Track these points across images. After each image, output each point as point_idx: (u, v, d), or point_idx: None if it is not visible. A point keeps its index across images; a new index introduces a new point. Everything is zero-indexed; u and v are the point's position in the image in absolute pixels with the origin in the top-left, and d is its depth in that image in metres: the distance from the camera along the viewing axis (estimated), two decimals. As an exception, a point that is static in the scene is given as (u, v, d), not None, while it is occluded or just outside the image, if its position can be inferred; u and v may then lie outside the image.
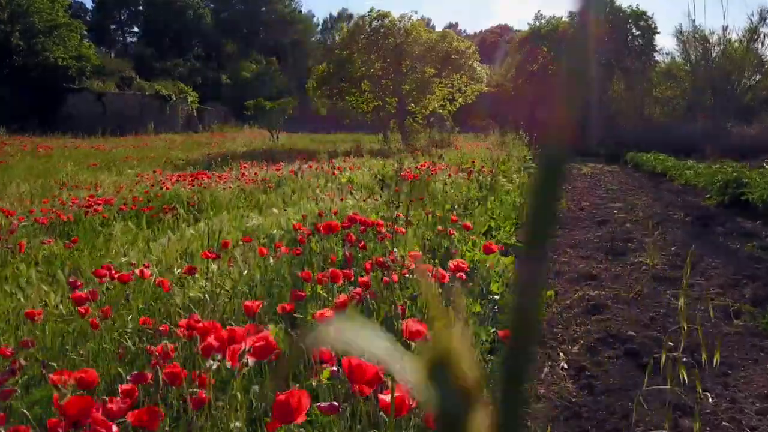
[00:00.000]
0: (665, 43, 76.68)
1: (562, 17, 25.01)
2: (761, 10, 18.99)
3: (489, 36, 46.97)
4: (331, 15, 53.51)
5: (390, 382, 1.01)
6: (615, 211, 6.36)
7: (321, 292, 1.79)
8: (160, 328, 1.53)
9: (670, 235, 5.06)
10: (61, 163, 9.78)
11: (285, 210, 4.34)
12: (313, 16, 58.25)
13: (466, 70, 20.05)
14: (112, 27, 41.51)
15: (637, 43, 23.86)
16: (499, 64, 29.98)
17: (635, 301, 3.26)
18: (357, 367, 1.03)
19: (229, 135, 24.16)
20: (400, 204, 4.53)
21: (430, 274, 1.86)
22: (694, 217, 5.88)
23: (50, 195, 6.16)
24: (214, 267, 2.37)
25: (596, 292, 3.37)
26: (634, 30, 23.87)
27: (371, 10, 19.64)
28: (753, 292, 3.30)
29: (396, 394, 0.98)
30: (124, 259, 2.73)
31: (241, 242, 2.94)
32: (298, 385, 1.42)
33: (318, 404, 1.15)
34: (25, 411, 1.18)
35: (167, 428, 1.29)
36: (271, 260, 2.41)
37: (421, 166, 7.56)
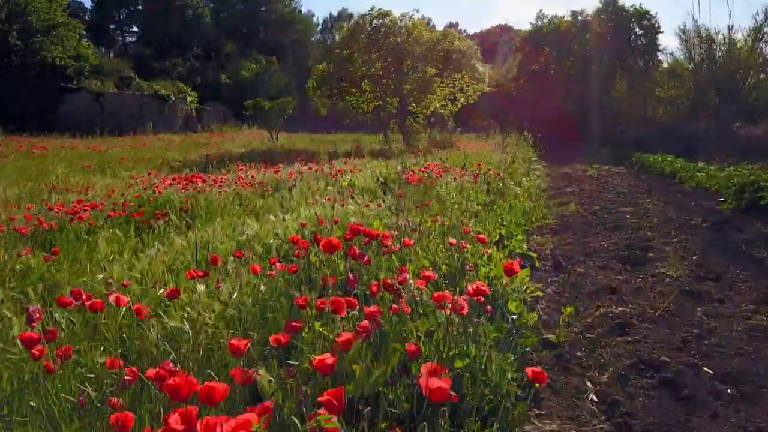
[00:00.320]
0: (668, 42, 76.14)
1: (564, 16, 24.75)
2: (766, 10, 18.72)
3: (489, 36, 46.69)
4: (331, 15, 53.29)
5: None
6: (627, 216, 6.10)
7: (321, 329, 1.52)
8: (126, 376, 1.27)
9: (689, 243, 4.79)
10: (54, 165, 9.51)
11: (284, 219, 4.07)
12: (313, 15, 57.89)
13: (468, 69, 19.77)
14: (111, 27, 41.23)
15: (640, 43, 23.59)
16: (500, 63, 29.72)
17: (663, 319, 2.99)
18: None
19: (228, 135, 23.90)
20: (405, 211, 4.27)
21: (448, 305, 1.60)
22: (711, 223, 5.61)
23: (38, 199, 5.89)
24: (201, 288, 2.11)
25: (620, 308, 3.11)
26: (637, 29, 23.59)
27: (372, 9, 19.38)
28: (791, 309, 3.04)
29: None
30: (101, 276, 2.46)
31: (233, 257, 2.67)
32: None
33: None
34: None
35: None
36: (263, 287, 2.14)
37: (424, 168, 7.30)
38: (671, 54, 23.48)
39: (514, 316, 2.65)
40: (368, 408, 1.26)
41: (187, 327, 1.66)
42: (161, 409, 1.27)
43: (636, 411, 2.06)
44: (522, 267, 3.27)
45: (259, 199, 5.99)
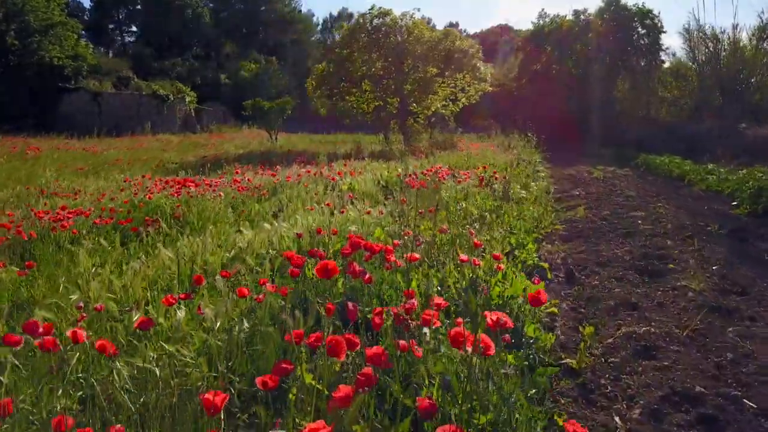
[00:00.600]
0: (671, 42, 75.85)
1: (566, 16, 24.48)
2: (771, 9, 18.44)
3: (489, 36, 46.42)
4: (331, 14, 53.12)
5: None
6: (639, 222, 5.84)
7: (313, 382, 1.27)
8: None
9: (708, 251, 4.53)
10: (46, 168, 9.26)
11: (279, 226, 3.82)
12: (313, 15, 57.66)
13: (470, 69, 19.49)
14: (110, 26, 41.01)
15: (642, 42, 23.30)
16: (500, 63, 29.43)
17: (691, 340, 2.74)
18: None
19: (227, 135, 23.67)
20: (408, 218, 4.02)
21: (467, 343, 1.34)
22: (729, 230, 5.36)
23: (25, 204, 5.65)
24: (181, 314, 1.86)
25: (643, 328, 2.85)
26: (639, 29, 23.30)
27: (372, 8, 19.08)
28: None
29: None
30: (74, 297, 2.21)
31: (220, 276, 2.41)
32: None
33: None
34: None
35: None
36: (247, 321, 1.89)
37: (427, 171, 7.05)
38: (674, 54, 23.24)
39: (532, 340, 2.41)
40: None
41: (158, 370, 1.41)
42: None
43: (676, 457, 1.81)
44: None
45: (255, 204, 5.74)
